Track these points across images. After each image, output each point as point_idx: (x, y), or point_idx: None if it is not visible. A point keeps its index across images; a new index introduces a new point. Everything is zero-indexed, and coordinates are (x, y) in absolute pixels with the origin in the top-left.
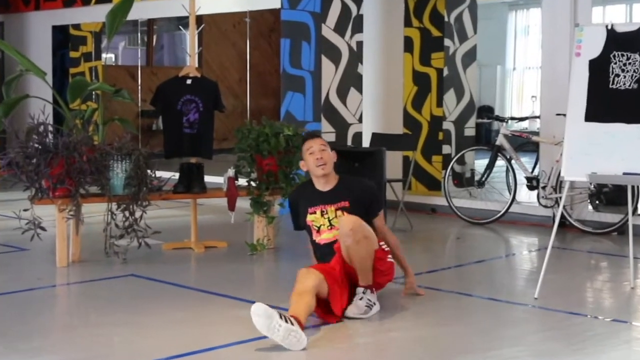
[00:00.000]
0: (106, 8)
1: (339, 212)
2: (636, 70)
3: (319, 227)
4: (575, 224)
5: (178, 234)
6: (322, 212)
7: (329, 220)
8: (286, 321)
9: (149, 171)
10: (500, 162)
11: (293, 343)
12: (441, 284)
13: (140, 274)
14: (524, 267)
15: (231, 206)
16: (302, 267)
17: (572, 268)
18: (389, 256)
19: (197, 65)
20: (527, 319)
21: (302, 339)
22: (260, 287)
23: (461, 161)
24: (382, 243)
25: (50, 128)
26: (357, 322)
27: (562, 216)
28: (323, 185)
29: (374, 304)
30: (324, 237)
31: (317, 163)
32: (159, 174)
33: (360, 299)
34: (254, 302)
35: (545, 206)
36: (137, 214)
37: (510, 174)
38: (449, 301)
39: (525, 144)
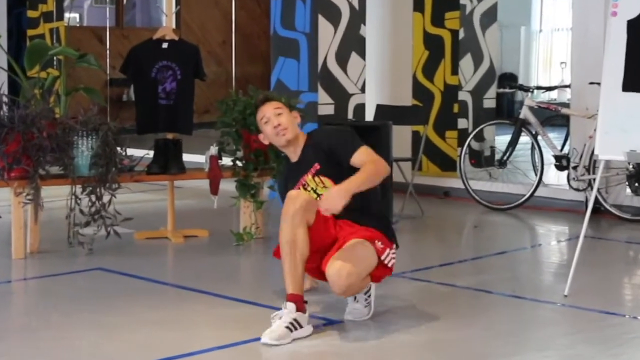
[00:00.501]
0: None
1: (318, 179)
2: None
3: (317, 194)
4: (611, 209)
5: (152, 221)
6: (303, 186)
7: (315, 191)
8: (294, 327)
9: (118, 149)
10: (525, 139)
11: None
12: (456, 280)
13: (109, 267)
14: (552, 259)
15: (214, 189)
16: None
17: (608, 260)
18: (393, 258)
19: (174, 26)
20: (555, 320)
21: (309, 331)
22: (248, 283)
23: (479, 137)
24: (384, 256)
25: (5, 99)
26: (361, 321)
27: (596, 201)
28: (293, 154)
29: (369, 290)
30: None
31: (276, 131)
32: (130, 152)
33: (356, 300)
34: (239, 301)
35: (577, 189)
36: (105, 198)
37: (536, 152)
38: (466, 299)
39: (554, 117)
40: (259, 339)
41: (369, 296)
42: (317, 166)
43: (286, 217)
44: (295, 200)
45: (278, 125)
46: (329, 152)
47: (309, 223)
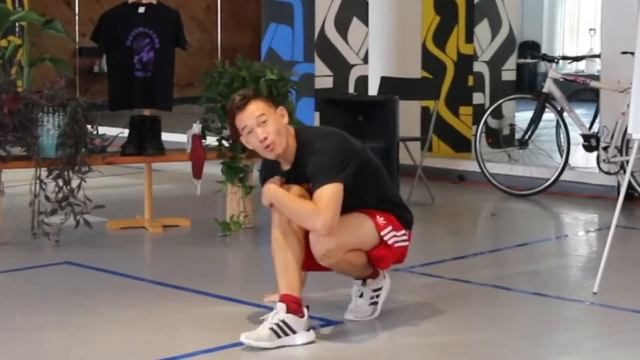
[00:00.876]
0: None
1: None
2: None
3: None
4: None
5: (127, 209)
6: None
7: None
8: (283, 332)
9: (89, 127)
10: (549, 115)
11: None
12: (472, 275)
13: (78, 261)
14: (579, 252)
15: (197, 173)
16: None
17: None
18: (400, 241)
19: None
20: (583, 320)
21: (308, 339)
22: (236, 279)
23: (497, 114)
24: (385, 232)
25: None
26: (363, 322)
27: (630, 186)
28: (283, 162)
29: (380, 289)
30: None
31: (263, 145)
32: (102, 130)
33: (360, 295)
34: (225, 298)
35: (608, 172)
36: (74, 183)
37: (562, 130)
38: (482, 297)
39: (582, 91)
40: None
41: (378, 295)
42: (309, 185)
43: (275, 223)
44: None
45: (264, 139)
46: (312, 179)
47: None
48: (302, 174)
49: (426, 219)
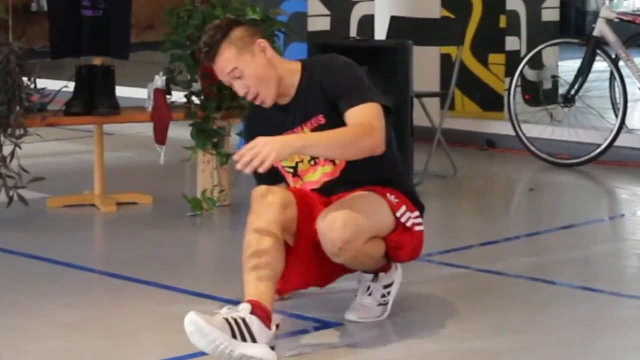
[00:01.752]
0: None
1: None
2: None
3: (294, 169)
4: None
5: (73, 182)
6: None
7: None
8: (240, 333)
9: (25, 79)
10: (601, 65)
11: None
12: (505, 265)
13: (12, 247)
14: (638, 236)
15: (160, 137)
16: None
17: None
18: (417, 224)
19: None
20: None
21: (270, 357)
22: (208, 270)
23: (537, 63)
24: (400, 212)
25: None
26: (368, 323)
27: None
28: (280, 99)
29: (391, 284)
30: (308, 181)
31: (246, 98)
32: (41, 83)
33: (369, 293)
34: (194, 294)
35: None
36: (6, 149)
37: (617, 83)
38: (518, 292)
39: None
40: None
41: (389, 292)
42: (321, 119)
43: (252, 226)
44: (266, 210)
45: (245, 94)
46: (337, 100)
47: (290, 229)
48: (310, 104)
49: (448, 194)
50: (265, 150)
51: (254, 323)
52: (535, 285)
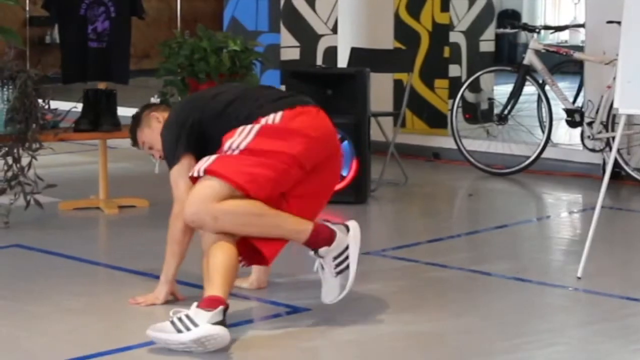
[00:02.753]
0: None
1: None
2: None
3: None
4: (634, 174)
5: (81, 188)
6: None
7: None
8: (184, 326)
9: (40, 101)
10: (530, 89)
11: (211, 348)
12: (448, 259)
13: (28, 244)
14: (562, 234)
15: None
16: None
17: (630, 236)
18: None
19: None
20: (567, 307)
21: (219, 339)
22: (196, 263)
23: (475, 87)
24: (226, 145)
25: None
26: (331, 310)
27: (616, 164)
28: None
29: (344, 250)
30: None
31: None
32: (54, 104)
33: (322, 268)
34: (185, 284)
35: (593, 150)
36: (24, 160)
37: (544, 104)
38: (459, 283)
39: (565, 63)
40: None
41: (343, 260)
42: None
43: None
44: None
45: (160, 158)
46: None
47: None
48: None
49: (399, 199)
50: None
51: (198, 313)
52: (473, 276)
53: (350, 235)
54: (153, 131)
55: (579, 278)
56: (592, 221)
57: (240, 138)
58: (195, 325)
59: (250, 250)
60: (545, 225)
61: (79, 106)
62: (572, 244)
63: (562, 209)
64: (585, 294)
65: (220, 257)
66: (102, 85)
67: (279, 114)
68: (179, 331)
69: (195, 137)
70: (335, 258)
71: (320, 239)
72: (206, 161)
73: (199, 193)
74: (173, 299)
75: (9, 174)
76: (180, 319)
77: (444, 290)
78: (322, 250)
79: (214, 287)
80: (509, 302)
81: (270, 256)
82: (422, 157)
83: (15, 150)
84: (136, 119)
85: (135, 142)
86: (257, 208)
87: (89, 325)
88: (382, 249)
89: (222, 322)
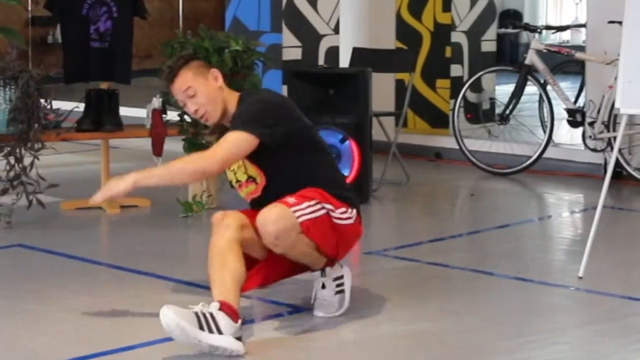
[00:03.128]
0: None
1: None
2: None
3: (238, 181)
4: (635, 174)
5: (83, 188)
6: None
7: (234, 174)
8: (207, 326)
9: (42, 101)
10: (531, 89)
11: (228, 352)
12: (449, 259)
13: (31, 243)
14: (564, 234)
15: (157, 150)
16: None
17: (632, 235)
18: (344, 217)
19: None
20: (568, 307)
21: (234, 354)
22: (198, 263)
23: (477, 87)
24: (295, 208)
25: None
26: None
27: (617, 163)
28: (224, 120)
29: (341, 277)
30: (247, 192)
31: (197, 117)
32: (56, 104)
33: (323, 287)
34: (187, 283)
35: (594, 150)
36: (26, 160)
37: (545, 104)
38: (461, 282)
39: (566, 63)
40: None
41: (342, 283)
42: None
43: (213, 253)
44: (224, 230)
45: (195, 112)
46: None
47: (254, 246)
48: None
49: (401, 198)
50: (109, 185)
51: (221, 318)
52: (475, 276)
53: (345, 270)
54: (209, 84)
55: (580, 278)
56: (593, 221)
57: (338, 211)
58: (220, 332)
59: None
60: (547, 225)
61: (81, 106)
62: (574, 244)
63: (564, 209)
64: (586, 293)
65: (237, 267)
66: (104, 85)
67: (355, 216)
68: (202, 329)
69: (283, 136)
70: (335, 279)
71: (330, 261)
72: (311, 214)
73: (295, 225)
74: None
75: (11, 173)
76: (205, 316)
77: (446, 290)
78: (328, 269)
79: (232, 297)
80: (510, 301)
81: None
82: (424, 156)
83: (17, 150)
84: (186, 60)
85: (172, 81)
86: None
87: (92, 325)
88: (384, 248)
89: (240, 338)
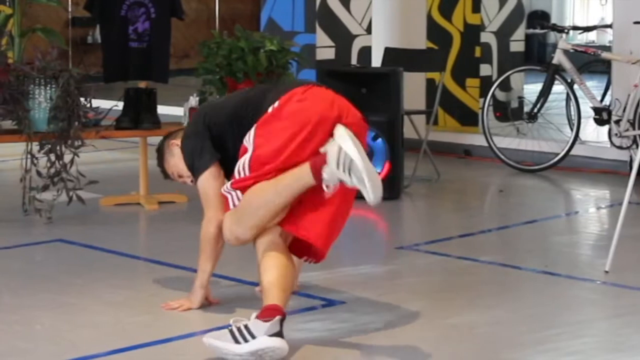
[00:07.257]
0: None
1: None
2: None
3: None
4: None
5: (122, 184)
6: None
7: None
8: (242, 337)
9: (82, 100)
10: (559, 88)
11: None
12: (478, 253)
13: (71, 238)
14: (590, 229)
15: None
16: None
17: None
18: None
19: None
20: (595, 301)
21: (277, 351)
22: (234, 256)
23: (505, 86)
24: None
25: None
26: (367, 302)
27: None
28: None
29: (340, 156)
30: None
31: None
32: (95, 103)
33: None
34: (222, 277)
35: (620, 147)
36: (67, 157)
37: (572, 103)
38: (489, 276)
39: (593, 62)
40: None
41: (343, 162)
42: None
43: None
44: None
45: (188, 182)
46: None
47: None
48: None
49: (431, 195)
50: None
51: (254, 324)
52: (504, 270)
53: (336, 136)
54: (175, 157)
55: (607, 272)
56: (619, 216)
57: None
58: (253, 337)
59: (304, 247)
60: (574, 220)
61: (120, 104)
62: (600, 239)
63: (590, 205)
64: (612, 287)
65: (274, 272)
66: (142, 84)
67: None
68: (237, 342)
69: (212, 144)
70: (338, 166)
71: (319, 166)
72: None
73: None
74: (207, 304)
75: (52, 170)
76: (239, 329)
77: (475, 284)
78: (325, 172)
79: (272, 297)
80: (538, 295)
81: (321, 246)
82: (454, 154)
83: (58, 148)
84: (160, 153)
85: (166, 176)
86: (256, 196)
87: (130, 318)
88: (415, 243)
89: (279, 333)
